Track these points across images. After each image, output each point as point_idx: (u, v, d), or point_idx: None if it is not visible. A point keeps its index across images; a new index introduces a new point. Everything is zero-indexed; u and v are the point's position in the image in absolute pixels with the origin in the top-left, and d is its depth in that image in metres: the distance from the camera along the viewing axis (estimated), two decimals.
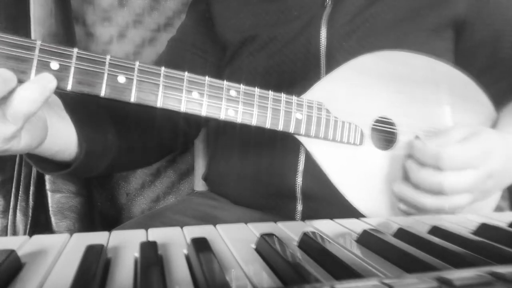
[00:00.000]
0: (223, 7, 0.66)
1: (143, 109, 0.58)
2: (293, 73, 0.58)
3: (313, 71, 0.56)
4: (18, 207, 0.72)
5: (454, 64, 0.58)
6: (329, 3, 0.57)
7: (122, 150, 0.53)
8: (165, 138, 0.64)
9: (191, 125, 0.69)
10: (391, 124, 0.52)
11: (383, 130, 0.53)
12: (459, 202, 0.45)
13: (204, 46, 0.69)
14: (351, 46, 0.55)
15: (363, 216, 0.46)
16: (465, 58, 0.60)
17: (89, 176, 0.54)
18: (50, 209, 0.73)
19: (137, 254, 0.27)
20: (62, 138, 0.44)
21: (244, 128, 0.64)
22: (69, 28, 0.76)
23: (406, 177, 0.48)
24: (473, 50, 0.60)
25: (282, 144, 0.58)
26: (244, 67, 0.62)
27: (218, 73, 0.69)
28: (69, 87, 0.35)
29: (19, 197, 0.72)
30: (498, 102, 0.59)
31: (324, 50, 0.56)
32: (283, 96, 0.45)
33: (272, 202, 0.60)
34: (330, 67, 0.51)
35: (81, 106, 0.48)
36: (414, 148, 0.47)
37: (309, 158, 0.56)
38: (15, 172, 0.73)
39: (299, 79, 0.56)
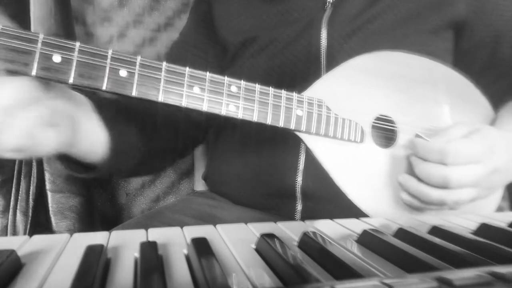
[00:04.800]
0: (224, 8, 0.66)
1: (160, 116, 0.59)
2: (293, 75, 0.58)
3: (314, 72, 0.56)
4: (18, 207, 0.72)
5: (454, 64, 0.58)
6: (329, 5, 0.58)
7: (144, 155, 0.54)
8: (179, 143, 0.64)
9: (200, 130, 0.69)
10: (391, 122, 0.52)
11: (384, 128, 0.53)
12: (464, 196, 0.46)
13: (205, 47, 0.69)
14: (351, 48, 0.55)
15: (362, 215, 0.46)
16: (464, 59, 0.60)
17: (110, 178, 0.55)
18: (50, 209, 0.73)
19: (137, 254, 0.27)
20: (90, 139, 0.44)
21: (244, 128, 0.65)
22: (69, 28, 0.76)
23: (411, 173, 0.48)
24: (472, 51, 0.60)
25: (282, 144, 0.58)
26: (245, 68, 0.62)
27: (219, 74, 0.69)
28: (71, 80, 0.35)
29: (19, 197, 0.72)
30: (497, 102, 0.60)
31: (324, 52, 0.56)
32: (283, 93, 0.45)
33: (272, 201, 0.60)
34: (331, 68, 0.51)
35: (108, 108, 0.49)
36: (417, 146, 0.47)
37: (309, 158, 0.56)
38: (15, 172, 0.73)
39: (300, 81, 0.56)
